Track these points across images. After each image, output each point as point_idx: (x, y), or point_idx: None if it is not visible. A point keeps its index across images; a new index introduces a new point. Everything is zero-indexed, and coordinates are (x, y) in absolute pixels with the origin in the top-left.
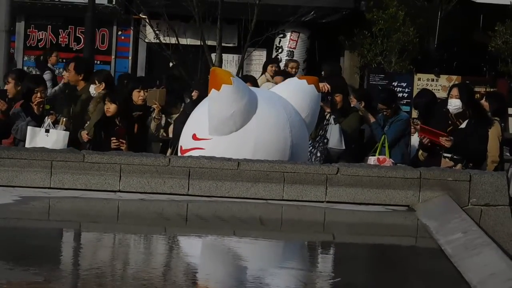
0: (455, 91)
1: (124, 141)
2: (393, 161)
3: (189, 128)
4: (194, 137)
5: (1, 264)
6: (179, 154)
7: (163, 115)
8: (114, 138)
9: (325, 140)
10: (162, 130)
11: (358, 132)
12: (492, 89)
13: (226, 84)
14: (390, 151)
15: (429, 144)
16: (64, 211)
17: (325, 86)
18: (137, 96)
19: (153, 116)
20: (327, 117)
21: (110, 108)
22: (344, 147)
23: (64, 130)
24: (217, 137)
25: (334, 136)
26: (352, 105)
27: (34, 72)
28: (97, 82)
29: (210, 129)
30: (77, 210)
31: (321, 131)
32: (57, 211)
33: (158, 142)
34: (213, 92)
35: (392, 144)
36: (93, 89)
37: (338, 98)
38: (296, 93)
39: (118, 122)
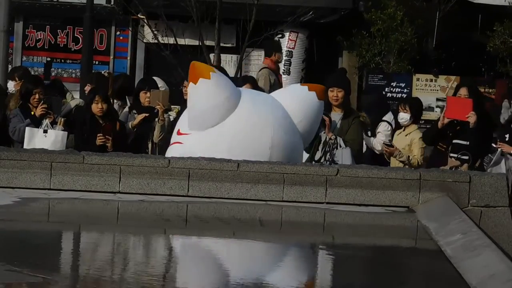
0: (463, 91)
1: (110, 138)
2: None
3: (177, 124)
4: (178, 132)
5: (0, 265)
6: None
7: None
8: (101, 135)
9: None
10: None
11: (361, 145)
12: (490, 90)
13: (203, 78)
14: None
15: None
16: (64, 212)
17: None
18: (144, 97)
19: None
20: (332, 141)
21: (104, 107)
22: None
23: (62, 130)
24: (195, 132)
25: (346, 161)
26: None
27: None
28: (17, 79)
29: (189, 123)
30: (77, 211)
31: (328, 156)
32: (56, 212)
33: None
34: (190, 86)
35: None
36: (11, 86)
37: (340, 94)
38: (293, 98)
39: (101, 119)
